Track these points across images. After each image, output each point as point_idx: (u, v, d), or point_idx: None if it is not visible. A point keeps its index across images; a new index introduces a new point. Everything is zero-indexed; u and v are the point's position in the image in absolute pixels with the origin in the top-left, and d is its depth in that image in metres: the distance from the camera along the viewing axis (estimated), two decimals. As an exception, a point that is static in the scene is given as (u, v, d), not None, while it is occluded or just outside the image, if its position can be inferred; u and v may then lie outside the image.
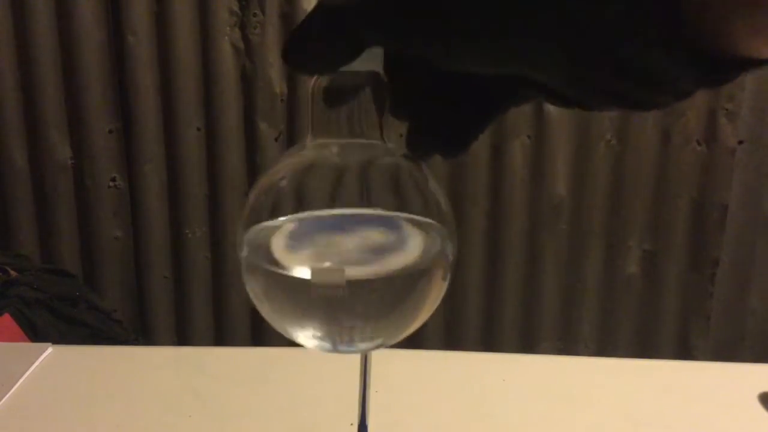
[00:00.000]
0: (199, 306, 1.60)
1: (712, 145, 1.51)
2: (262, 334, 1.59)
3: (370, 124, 0.29)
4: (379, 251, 0.29)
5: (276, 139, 1.52)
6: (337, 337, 0.29)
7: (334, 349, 0.30)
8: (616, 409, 0.59)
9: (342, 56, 0.25)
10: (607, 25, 0.20)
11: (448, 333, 1.59)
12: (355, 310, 0.28)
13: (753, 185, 1.55)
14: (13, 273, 1.31)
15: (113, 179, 1.55)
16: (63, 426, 0.56)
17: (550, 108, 1.49)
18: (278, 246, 0.29)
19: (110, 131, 1.53)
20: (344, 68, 0.26)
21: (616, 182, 1.54)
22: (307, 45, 0.25)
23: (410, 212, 0.30)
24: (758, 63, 0.20)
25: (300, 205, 0.30)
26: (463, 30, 0.22)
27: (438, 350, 0.69)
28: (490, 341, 1.60)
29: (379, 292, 0.28)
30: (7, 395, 0.59)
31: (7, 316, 1.21)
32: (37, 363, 0.64)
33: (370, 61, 0.26)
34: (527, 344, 1.61)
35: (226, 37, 1.48)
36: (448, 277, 0.30)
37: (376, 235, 0.29)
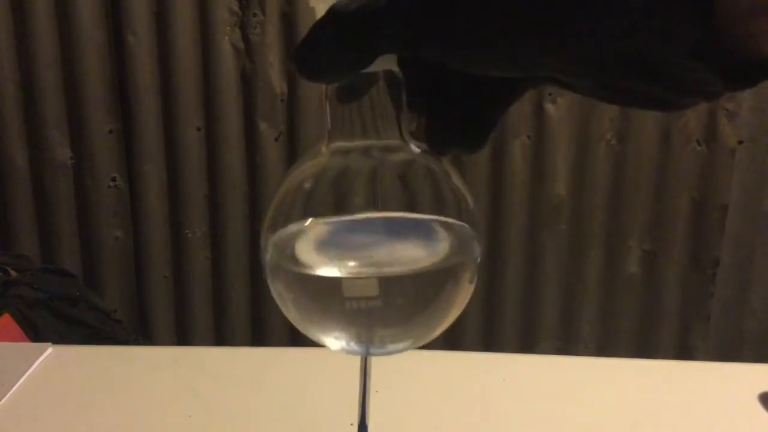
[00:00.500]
0: (199, 306, 1.60)
1: (712, 145, 1.51)
2: (262, 334, 1.59)
3: (388, 122, 0.28)
4: (407, 253, 0.29)
5: (276, 139, 1.52)
6: (367, 341, 0.29)
7: (365, 352, 0.29)
8: (616, 409, 0.59)
9: (354, 64, 0.24)
10: (634, 27, 0.19)
11: (448, 333, 1.57)
12: (385, 314, 0.28)
13: (753, 185, 1.55)
14: (13, 273, 1.31)
15: (113, 179, 1.55)
16: (63, 426, 0.56)
17: (550, 108, 1.49)
18: (306, 250, 0.28)
19: (110, 131, 1.53)
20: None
21: (616, 182, 1.54)
22: (318, 53, 0.24)
23: (435, 212, 0.29)
24: None
25: (324, 209, 0.29)
26: (480, 36, 0.21)
27: (438, 350, 0.68)
28: (490, 341, 1.60)
29: (408, 295, 0.28)
30: (7, 395, 0.59)
31: (7, 316, 1.21)
32: (37, 363, 0.64)
33: (384, 60, 0.25)
34: (527, 344, 1.61)
35: (226, 37, 1.48)
36: (476, 276, 0.30)
37: (402, 238, 0.29)
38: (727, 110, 1.48)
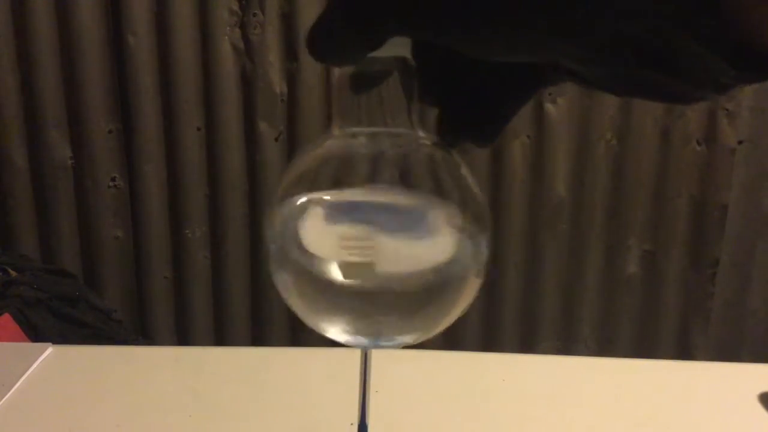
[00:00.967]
0: (199, 306, 1.60)
1: (712, 145, 1.51)
2: (262, 334, 1.59)
3: (399, 111, 0.28)
4: (415, 245, 0.28)
5: (276, 139, 1.52)
6: (372, 333, 0.29)
7: (371, 345, 0.29)
8: (616, 409, 0.59)
9: (366, 46, 0.24)
10: (646, 11, 0.19)
11: (448, 333, 1.58)
12: (391, 307, 0.28)
13: (753, 185, 1.55)
14: (13, 273, 1.31)
15: (113, 179, 1.55)
16: (63, 426, 0.56)
17: (550, 108, 1.49)
18: (307, 238, 0.28)
19: (110, 131, 1.53)
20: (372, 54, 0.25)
21: (616, 182, 1.54)
22: (328, 35, 0.24)
23: (443, 202, 0.28)
24: None
25: (330, 200, 0.28)
26: (491, 19, 0.21)
27: (438, 350, 0.68)
28: (490, 341, 1.60)
29: (415, 288, 0.28)
30: (7, 395, 0.59)
31: (7, 316, 1.21)
32: (37, 363, 0.64)
33: (397, 46, 0.25)
34: (527, 344, 1.61)
35: (226, 37, 1.48)
36: (483, 272, 0.29)
37: (410, 230, 0.28)
38: (727, 110, 1.48)
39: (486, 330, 1.61)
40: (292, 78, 1.49)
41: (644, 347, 1.61)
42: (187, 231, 1.56)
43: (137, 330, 1.59)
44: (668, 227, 1.55)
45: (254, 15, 1.46)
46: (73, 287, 1.40)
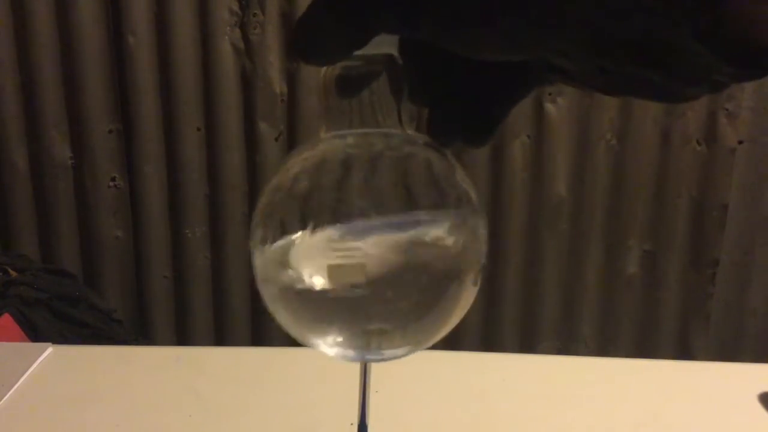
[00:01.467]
0: (199, 306, 1.60)
1: (712, 145, 1.51)
2: (262, 334, 1.59)
3: (388, 112, 0.27)
4: (406, 253, 0.26)
5: (276, 139, 1.52)
6: (363, 347, 0.27)
7: (362, 358, 0.28)
8: (616, 409, 0.59)
9: (349, 45, 0.24)
10: (637, 7, 0.19)
11: (448, 333, 1.59)
12: (382, 318, 0.26)
13: (753, 185, 1.55)
14: (13, 273, 1.31)
15: (113, 179, 1.55)
16: (63, 426, 0.56)
17: (550, 108, 1.49)
18: (298, 253, 0.27)
19: (110, 131, 1.53)
20: (358, 52, 0.24)
21: (616, 182, 1.54)
22: (312, 33, 0.24)
23: (438, 206, 0.27)
24: None
25: (317, 204, 0.27)
26: (477, 15, 0.21)
27: (438, 350, 0.68)
28: (490, 341, 1.60)
29: (408, 298, 0.26)
30: (7, 395, 0.59)
31: (7, 316, 1.21)
32: (37, 363, 0.64)
33: (384, 43, 0.24)
34: (527, 344, 1.61)
35: (226, 37, 1.48)
36: (480, 278, 0.28)
37: (401, 236, 0.26)
38: (727, 110, 1.48)
39: (486, 330, 1.61)
40: (292, 78, 1.49)
41: (644, 347, 1.61)
42: (187, 231, 1.56)
43: (137, 330, 1.59)
44: (668, 227, 1.55)
45: (254, 15, 1.46)
46: (73, 287, 1.40)
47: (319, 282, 0.26)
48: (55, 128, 1.52)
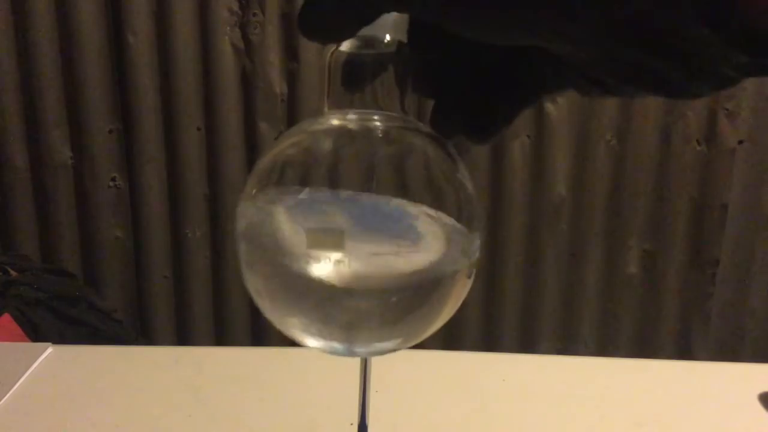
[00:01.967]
0: (199, 306, 1.60)
1: (712, 145, 1.51)
2: (262, 334, 1.59)
3: (391, 99, 0.27)
4: (398, 246, 0.25)
5: (276, 139, 1.52)
6: (350, 340, 0.27)
7: (346, 351, 0.27)
8: (616, 409, 0.59)
9: (356, 21, 0.23)
10: None
11: (448, 333, 1.59)
12: (373, 313, 0.26)
13: (753, 185, 1.55)
14: (13, 273, 1.31)
15: (113, 179, 1.55)
16: (63, 426, 0.56)
17: (550, 108, 1.49)
18: (284, 240, 0.26)
19: (110, 131, 1.53)
20: (366, 34, 0.24)
21: (616, 182, 1.54)
22: (319, 10, 0.23)
23: (433, 198, 0.26)
24: None
25: (309, 173, 0.27)
26: None
27: (438, 350, 0.68)
28: (490, 341, 1.60)
29: (398, 292, 0.26)
30: (7, 395, 0.59)
31: (7, 316, 1.21)
32: (37, 363, 0.64)
33: (394, 30, 0.24)
34: (527, 344, 1.61)
35: (226, 37, 1.48)
36: (473, 273, 0.27)
37: (393, 228, 0.25)
38: (727, 110, 1.48)
39: (486, 330, 1.61)
40: (292, 78, 1.49)
41: (644, 347, 1.61)
42: (187, 231, 1.56)
43: (137, 330, 1.59)
44: (668, 227, 1.55)
45: (254, 15, 1.46)
46: (73, 287, 1.40)
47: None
48: (55, 128, 1.52)
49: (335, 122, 0.27)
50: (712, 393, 0.62)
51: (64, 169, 1.54)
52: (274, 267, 0.26)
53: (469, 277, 0.27)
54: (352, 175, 0.26)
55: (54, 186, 1.54)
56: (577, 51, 0.21)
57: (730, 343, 1.62)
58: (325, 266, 0.25)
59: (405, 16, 0.25)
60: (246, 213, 0.27)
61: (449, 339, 1.59)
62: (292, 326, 0.27)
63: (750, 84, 1.48)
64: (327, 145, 0.27)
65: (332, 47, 0.26)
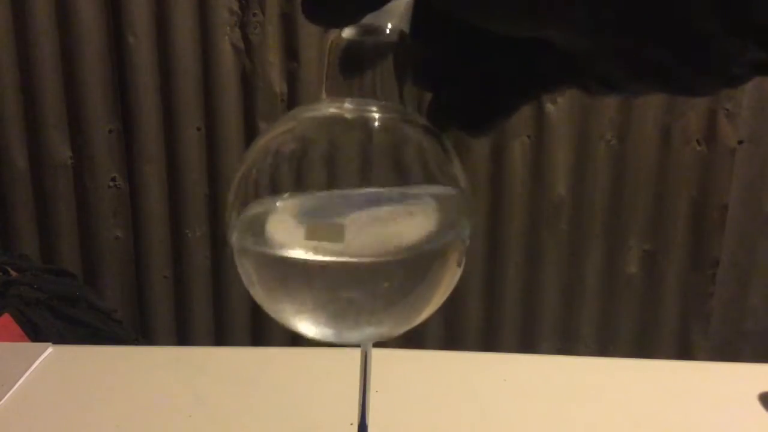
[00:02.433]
0: (199, 306, 1.60)
1: (712, 145, 1.51)
2: (262, 334, 1.59)
3: (389, 90, 0.27)
4: (389, 231, 0.26)
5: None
6: (340, 321, 0.27)
7: (338, 337, 0.27)
8: (616, 409, 0.59)
9: (359, 6, 0.23)
10: None
11: (448, 333, 1.59)
12: (362, 297, 0.26)
13: (753, 185, 1.55)
14: (13, 273, 1.31)
15: (113, 179, 1.55)
16: (63, 426, 0.56)
17: (550, 108, 1.49)
18: (277, 226, 0.26)
19: (110, 131, 1.53)
20: (369, 22, 0.24)
21: (616, 182, 1.54)
22: None
23: (424, 184, 0.27)
24: None
25: (298, 175, 0.26)
26: None
27: (438, 350, 0.69)
28: (490, 341, 1.60)
29: (388, 277, 0.26)
30: (7, 395, 0.59)
31: (7, 316, 1.21)
32: (37, 363, 0.64)
33: (397, 17, 0.24)
34: (527, 344, 1.61)
35: (226, 37, 1.48)
36: (463, 260, 0.28)
37: (384, 209, 0.26)
38: (727, 110, 1.48)
39: (486, 330, 1.61)
40: (292, 78, 1.49)
41: (644, 347, 1.61)
42: (187, 231, 1.56)
43: (137, 330, 1.59)
44: (668, 227, 1.55)
45: (254, 15, 1.46)
46: (73, 287, 1.40)
47: (296, 247, 0.25)
48: (55, 128, 1.52)
49: (330, 110, 0.27)
50: (712, 393, 0.62)
51: (63, 169, 1.54)
52: (265, 254, 0.26)
53: (459, 266, 0.28)
54: (343, 163, 0.26)
55: (54, 186, 1.54)
56: (585, 42, 0.21)
57: (730, 343, 1.62)
58: (316, 252, 0.25)
59: (409, 6, 0.25)
60: (238, 215, 0.27)
61: (449, 339, 1.59)
62: (285, 313, 0.27)
63: (750, 84, 1.47)
64: (319, 133, 0.27)
65: (333, 33, 0.26)
